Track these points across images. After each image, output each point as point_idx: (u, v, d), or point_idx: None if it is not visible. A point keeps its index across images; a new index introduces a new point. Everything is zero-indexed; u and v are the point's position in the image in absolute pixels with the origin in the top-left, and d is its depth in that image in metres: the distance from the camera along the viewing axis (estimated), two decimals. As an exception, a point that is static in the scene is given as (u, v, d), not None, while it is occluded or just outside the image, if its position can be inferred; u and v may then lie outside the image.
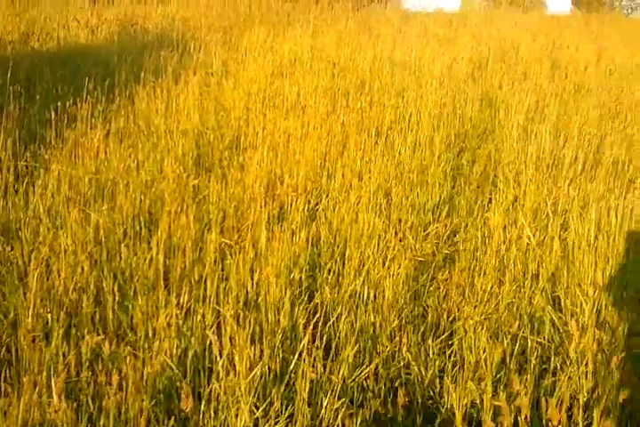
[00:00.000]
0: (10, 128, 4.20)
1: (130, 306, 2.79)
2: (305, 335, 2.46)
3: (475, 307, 3.09)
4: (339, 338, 2.69)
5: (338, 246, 3.39)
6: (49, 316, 2.60)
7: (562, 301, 3.17)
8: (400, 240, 3.50)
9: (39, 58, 6.80)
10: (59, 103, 4.54)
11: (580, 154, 4.94)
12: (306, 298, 2.91)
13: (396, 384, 2.57)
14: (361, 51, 8.47)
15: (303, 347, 2.40)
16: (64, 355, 2.41)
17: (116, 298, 2.77)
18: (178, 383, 2.30)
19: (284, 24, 10.23)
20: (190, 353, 2.44)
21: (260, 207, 3.59)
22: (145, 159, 4.20)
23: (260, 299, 2.78)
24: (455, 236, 3.87)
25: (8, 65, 5.20)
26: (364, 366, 2.49)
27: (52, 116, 4.32)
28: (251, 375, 2.20)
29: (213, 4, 11.75)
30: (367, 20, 11.53)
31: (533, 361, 2.63)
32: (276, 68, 7.19)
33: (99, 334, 2.49)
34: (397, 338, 2.75)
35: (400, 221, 3.75)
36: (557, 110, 6.28)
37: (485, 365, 2.61)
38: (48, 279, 2.84)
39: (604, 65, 8.85)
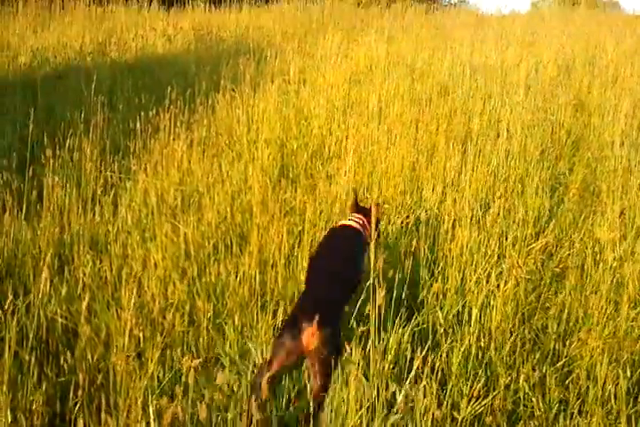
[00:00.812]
0: (96, 139, 4.17)
1: (223, 324, 2.67)
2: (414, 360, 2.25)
3: (590, 330, 2.83)
4: (448, 364, 2.48)
5: (436, 263, 3.17)
6: (141, 335, 2.50)
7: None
8: (503, 257, 3.26)
9: (119, 68, 6.87)
10: (141, 113, 4.50)
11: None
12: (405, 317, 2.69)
13: (514, 418, 2.34)
14: (439, 55, 8.22)
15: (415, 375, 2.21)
16: (158, 379, 2.30)
17: (209, 316, 2.65)
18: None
19: (357, 30, 10.07)
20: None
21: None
22: (229, 170, 4.10)
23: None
24: (561, 250, 3.59)
25: (90, 76, 5.23)
26: (482, 399, 2.27)
27: (136, 126, 4.28)
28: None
29: (287, 10, 11.72)
30: (442, 23, 11.24)
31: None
32: (353, 74, 7.02)
33: (194, 357, 2.37)
34: (512, 366, 2.51)
35: (502, 235, 3.49)
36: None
37: (614, 397, 2.35)
38: (140, 296, 2.74)
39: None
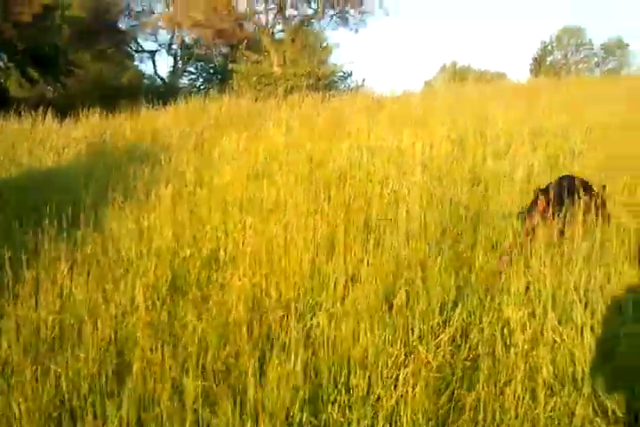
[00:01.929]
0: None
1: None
2: None
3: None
4: None
5: (340, 371, 2.92)
6: None
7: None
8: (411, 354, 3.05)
9: (4, 187, 6.54)
10: (19, 238, 4.17)
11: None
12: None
13: None
14: (336, 141, 8.34)
15: None
16: None
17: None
18: None
19: (256, 124, 10.18)
20: None
21: (247, 332, 3.16)
22: (114, 290, 3.79)
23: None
24: (471, 335, 3.41)
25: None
26: None
27: (10, 255, 3.92)
28: None
29: (183, 110, 11.79)
30: (339, 109, 11.55)
31: None
32: (252, 169, 6.95)
33: None
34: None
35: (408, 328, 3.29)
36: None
37: None
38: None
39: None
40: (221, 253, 4.49)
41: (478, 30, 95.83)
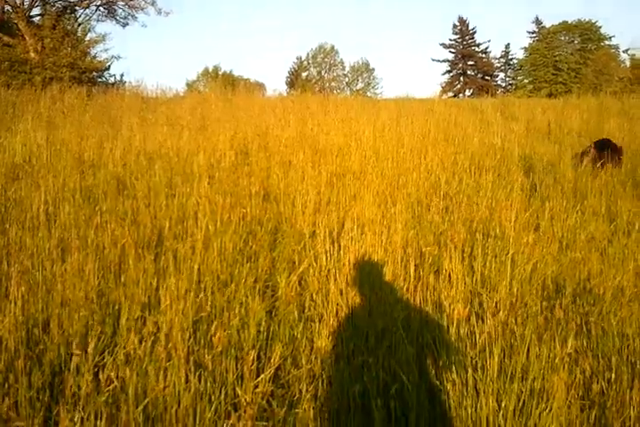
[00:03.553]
0: None
1: None
2: None
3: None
4: None
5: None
6: None
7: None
8: None
9: None
10: None
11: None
12: None
13: None
14: (109, 142, 7.54)
15: None
16: None
17: None
18: None
19: (8, 116, 8.82)
20: None
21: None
22: None
23: None
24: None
25: None
26: None
27: None
28: None
29: None
30: (107, 107, 10.58)
31: None
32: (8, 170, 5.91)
33: None
34: None
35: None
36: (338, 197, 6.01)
37: None
38: None
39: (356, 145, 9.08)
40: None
41: (244, 39, 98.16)
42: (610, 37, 54.52)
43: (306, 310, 3.68)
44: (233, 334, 3.17)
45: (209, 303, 3.46)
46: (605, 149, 7.66)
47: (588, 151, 7.77)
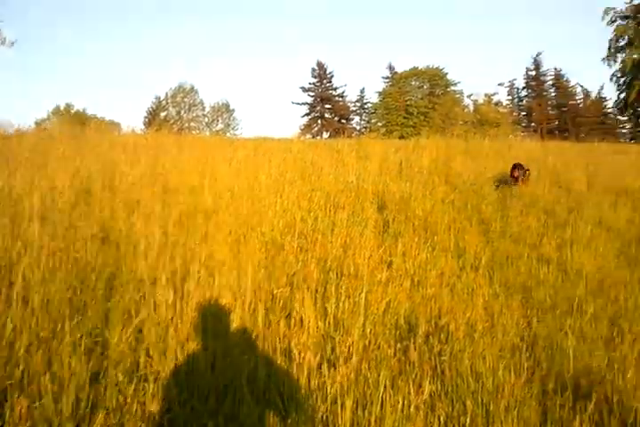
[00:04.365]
0: None
1: None
2: None
3: None
4: None
5: None
6: None
7: None
8: None
9: None
10: None
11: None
12: None
13: None
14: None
15: None
16: None
17: None
18: None
19: None
20: None
21: None
22: None
23: None
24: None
25: None
26: None
27: None
28: None
29: None
30: None
31: None
32: None
33: None
34: None
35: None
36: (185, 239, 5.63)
37: None
38: None
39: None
40: None
41: (99, 75, 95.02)
42: (455, 83, 58.99)
43: (141, 368, 3.25)
44: (46, 404, 2.68)
45: (21, 368, 2.94)
46: (520, 169, 10.07)
47: (512, 171, 10.17)
